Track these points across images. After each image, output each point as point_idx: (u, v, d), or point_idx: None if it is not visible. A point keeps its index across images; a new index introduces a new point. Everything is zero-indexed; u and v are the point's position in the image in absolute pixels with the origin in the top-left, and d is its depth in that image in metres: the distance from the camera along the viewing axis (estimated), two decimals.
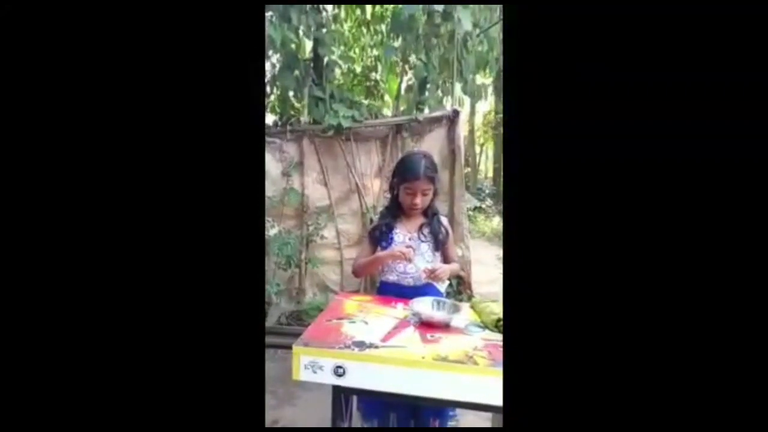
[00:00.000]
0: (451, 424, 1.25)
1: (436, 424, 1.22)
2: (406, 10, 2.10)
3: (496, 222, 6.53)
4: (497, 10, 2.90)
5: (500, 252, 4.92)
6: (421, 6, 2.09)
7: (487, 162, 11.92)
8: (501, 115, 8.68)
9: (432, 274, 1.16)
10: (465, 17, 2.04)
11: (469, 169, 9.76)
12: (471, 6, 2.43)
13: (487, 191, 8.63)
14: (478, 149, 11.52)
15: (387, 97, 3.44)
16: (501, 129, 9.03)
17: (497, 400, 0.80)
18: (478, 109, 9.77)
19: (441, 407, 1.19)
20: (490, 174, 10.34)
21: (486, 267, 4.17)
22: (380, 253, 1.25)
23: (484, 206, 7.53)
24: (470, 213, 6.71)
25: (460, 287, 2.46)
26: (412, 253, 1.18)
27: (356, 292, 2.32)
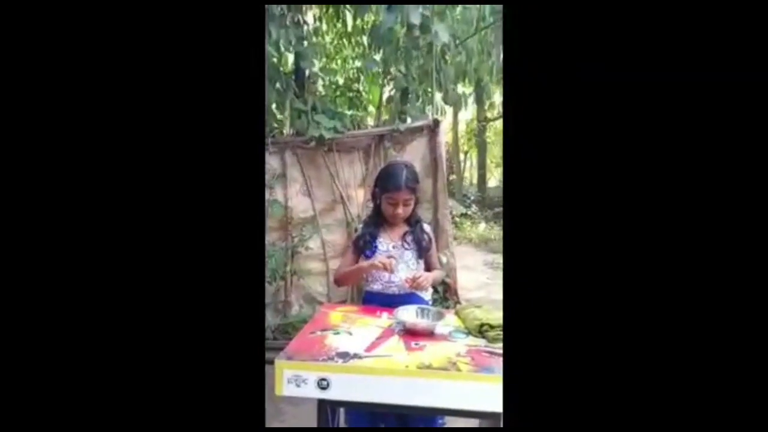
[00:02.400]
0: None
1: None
2: (386, 22, 2.14)
3: (482, 228, 6.60)
4: (474, 22, 2.99)
5: (487, 257, 4.97)
6: (399, 19, 2.14)
7: (472, 169, 12.08)
8: (483, 123, 8.87)
9: (414, 282, 1.17)
10: (442, 30, 2.09)
11: (454, 177, 9.87)
12: (448, 18, 2.49)
13: (472, 198, 8.74)
14: (462, 157, 11.67)
15: (371, 108, 3.49)
16: (483, 136, 9.21)
17: (481, 405, 0.80)
18: (460, 118, 9.94)
19: (428, 416, 1.18)
20: (475, 181, 10.47)
21: (473, 273, 4.20)
22: (362, 263, 1.25)
23: (470, 212, 7.61)
24: (457, 220, 6.77)
25: (447, 294, 2.48)
26: (394, 263, 1.18)
27: (343, 302, 2.30)
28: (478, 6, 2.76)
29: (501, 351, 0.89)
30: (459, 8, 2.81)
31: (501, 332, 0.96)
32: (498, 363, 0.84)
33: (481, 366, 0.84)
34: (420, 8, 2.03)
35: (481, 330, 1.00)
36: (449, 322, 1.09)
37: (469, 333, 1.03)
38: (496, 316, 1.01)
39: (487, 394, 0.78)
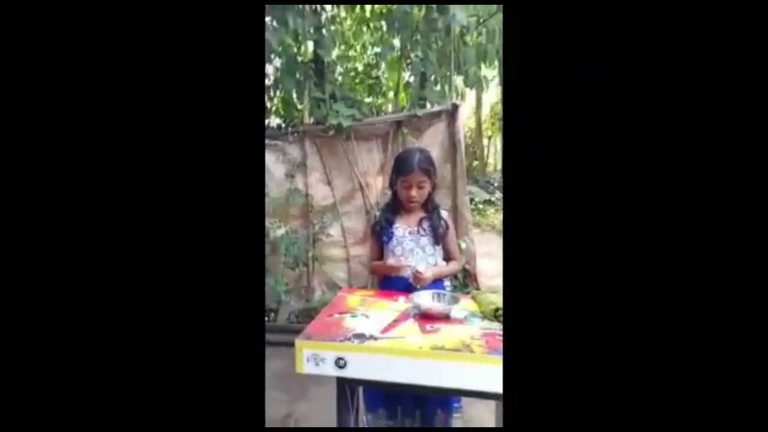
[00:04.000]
0: (456, 415, 1.28)
1: (441, 413, 1.24)
2: (403, 7, 2.11)
3: None
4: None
5: None
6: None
7: (496, 154, 11.78)
8: None
9: (415, 277, 1.20)
10: (460, 12, 2.04)
11: (477, 162, 9.67)
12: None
13: (495, 184, 8.54)
14: (486, 142, 11.38)
15: (391, 94, 3.46)
16: None
17: (493, 386, 0.82)
18: (484, 101, 9.67)
19: (444, 396, 1.21)
20: (500, 166, 10.22)
21: (495, 260, 4.14)
22: (378, 264, 1.31)
23: (493, 199, 7.46)
24: (480, 206, 6.66)
25: (467, 280, 2.48)
26: (403, 262, 1.23)
27: (363, 287, 2.35)
28: None
29: None
30: None
31: None
32: None
33: (493, 348, 0.85)
34: None
35: (495, 314, 1.01)
36: (465, 306, 1.11)
37: (484, 317, 1.04)
38: None
39: (499, 375, 0.79)
